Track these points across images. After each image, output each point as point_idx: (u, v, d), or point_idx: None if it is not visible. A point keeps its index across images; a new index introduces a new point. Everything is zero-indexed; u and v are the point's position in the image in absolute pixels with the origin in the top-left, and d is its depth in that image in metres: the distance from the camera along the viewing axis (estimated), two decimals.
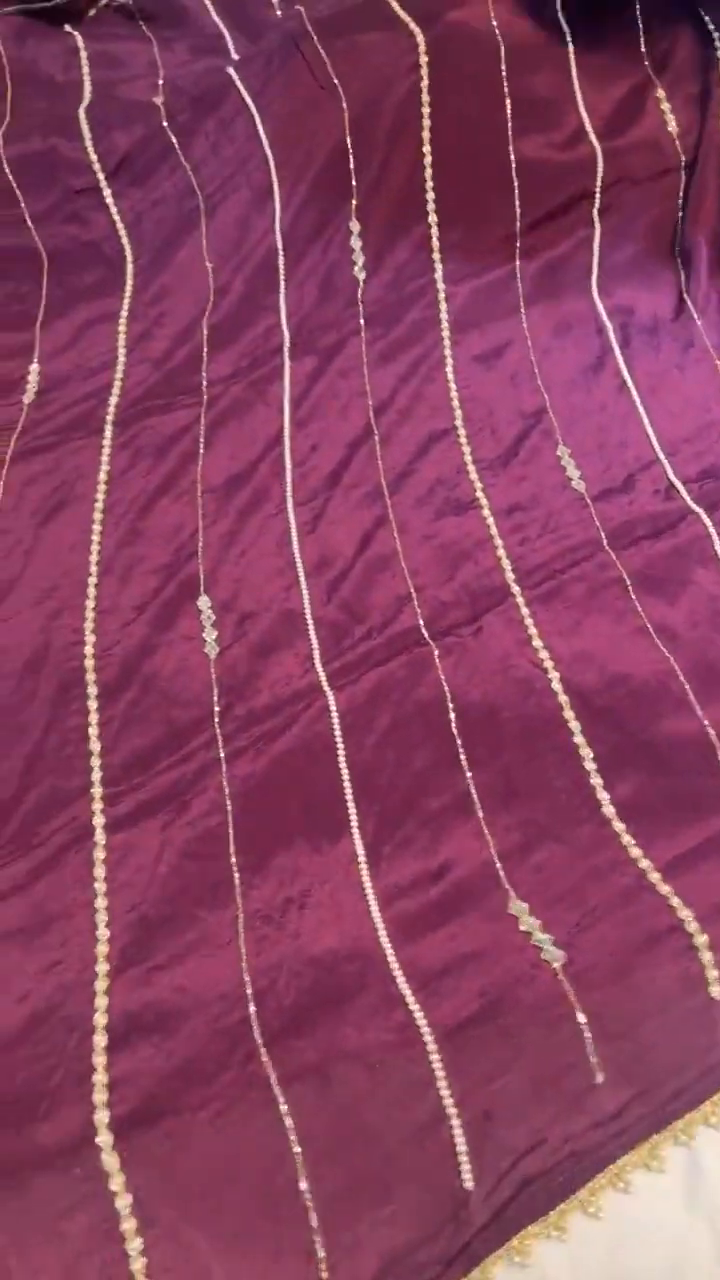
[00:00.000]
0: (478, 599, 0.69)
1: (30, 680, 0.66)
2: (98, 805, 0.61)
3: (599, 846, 0.58)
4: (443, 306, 0.86)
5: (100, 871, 0.58)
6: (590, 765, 0.61)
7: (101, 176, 0.90)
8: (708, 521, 0.72)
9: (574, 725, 0.63)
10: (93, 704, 0.65)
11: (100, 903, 0.57)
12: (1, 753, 0.63)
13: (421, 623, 0.69)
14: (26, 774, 0.62)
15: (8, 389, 0.82)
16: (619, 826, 0.59)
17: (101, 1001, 0.53)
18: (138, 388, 0.82)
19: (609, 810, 0.59)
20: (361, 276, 0.87)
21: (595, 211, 0.88)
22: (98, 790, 0.61)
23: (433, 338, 0.85)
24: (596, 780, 0.61)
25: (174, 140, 0.90)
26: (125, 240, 0.89)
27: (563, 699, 0.64)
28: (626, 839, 0.58)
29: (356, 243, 0.88)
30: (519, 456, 0.77)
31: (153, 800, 0.60)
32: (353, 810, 0.60)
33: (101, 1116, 0.49)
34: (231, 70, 0.93)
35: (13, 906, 0.56)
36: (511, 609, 0.68)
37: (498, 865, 0.57)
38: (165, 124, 0.91)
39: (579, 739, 0.62)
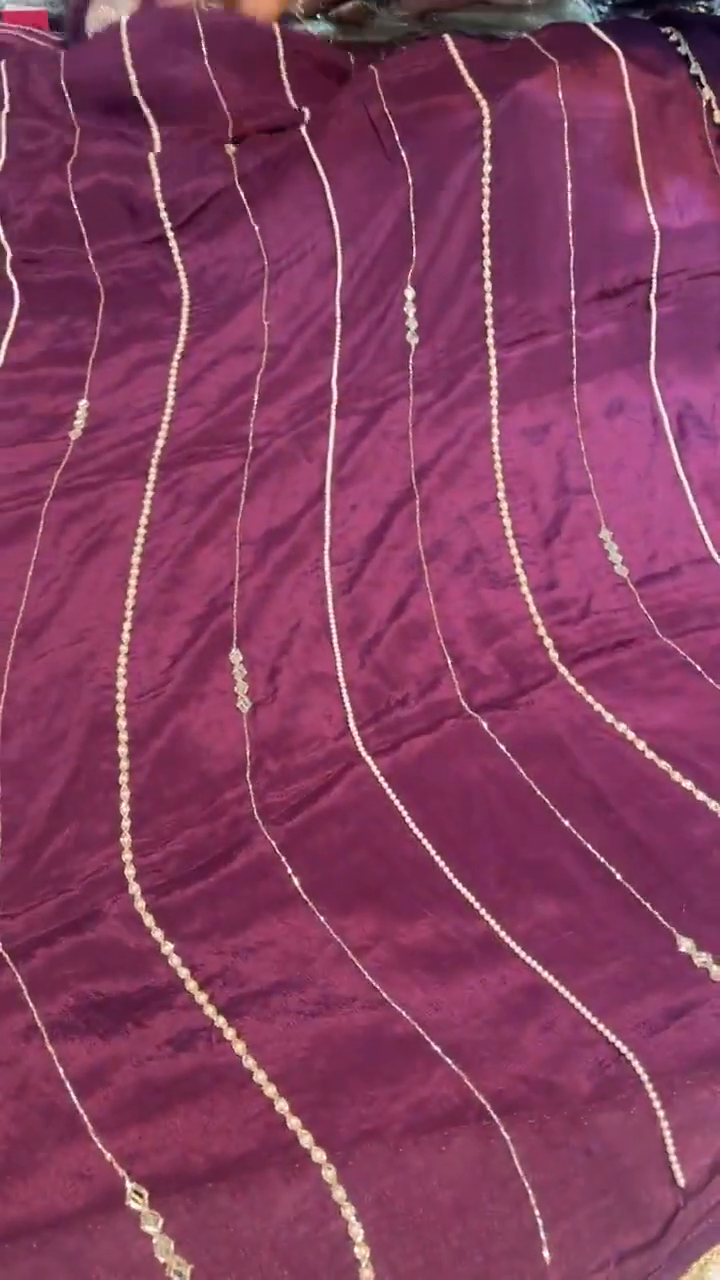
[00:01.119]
0: (521, 675, 0.69)
1: (60, 721, 0.65)
2: (128, 855, 0.60)
3: None
4: (493, 373, 0.86)
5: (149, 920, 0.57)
6: None
7: (169, 226, 0.91)
8: None
9: (687, 785, 0.63)
10: (123, 750, 0.64)
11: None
12: (29, 791, 0.62)
13: (460, 694, 0.68)
14: (54, 815, 0.61)
15: (55, 423, 0.82)
16: None
17: None
18: (185, 433, 0.82)
19: None
20: (414, 342, 0.88)
21: (653, 297, 0.90)
22: (126, 839, 0.61)
23: (481, 406, 0.86)
24: None
25: (244, 200, 0.91)
26: (184, 287, 0.90)
27: (663, 765, 0.64)
28: None
29: (410, 309, 0.89)
30: (561, 535, 0.78)
31: (189, 851, 0.60)
32: (448, 871, 0.60)
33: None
34: (304, 131, 0.94)
35: None
36: (564, 686, 0.68)
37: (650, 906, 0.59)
38: (236, 181, 0.92)
39: (702, 795, 0.63)
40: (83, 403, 0.83)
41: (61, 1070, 0.52)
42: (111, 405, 0.84)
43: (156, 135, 0.95)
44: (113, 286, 0.90)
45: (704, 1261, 0.49)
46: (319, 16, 1.18)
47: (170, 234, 0.91)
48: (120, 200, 0.91)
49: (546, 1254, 0.48)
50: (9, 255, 0.89)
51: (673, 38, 0.98)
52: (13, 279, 0.88)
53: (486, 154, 0.92)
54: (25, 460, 0.79)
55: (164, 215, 0.90)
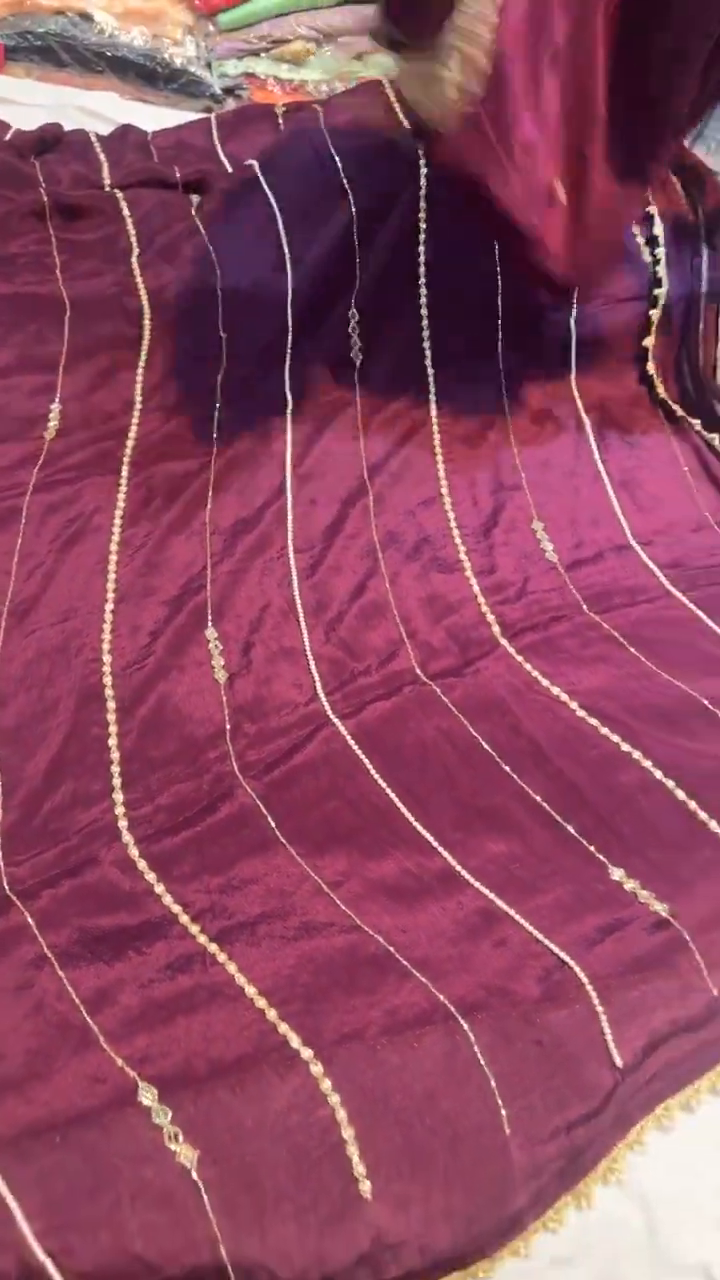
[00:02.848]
0: (468, 648, 0.78)
1: (52, 691, 0.71)
2: (120, 810, 0.66)
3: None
4: (432, 388, 0.95)
5: (142, 865, 0.64)
6: (657, 772, 0.70)
7: (136, 249, 0.98)
8: (686, 600, 0.82)
9: (614, 738, 0.71)
10: (111, 717, 0.71)
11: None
12: (26, 754, 0.68)
13: (415, 664, 0.76)
14: (51, 775, 0.67)
15: (31, 424, 0.87)
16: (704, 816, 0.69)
17: None
18: (153, 433, 0.89)
19: (690, 806, 0.70)
20: (358, 359, 0.96)
21: (573, 320, 0.99)
22: (119, 795, 0.67)
23: (423, 414, 0.94)
24: (669, 781, 0.70)
25: (200, 224, 0.99)
26: (145, 302, 0.96)
27: (593, 721, 0.72)
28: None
29: (354, 329, 0.97)
30: (498, 526, 0.87)
31: (176, 805, 0.66)
32: (410, 816, 0.67)
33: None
34: (256, 164, 1.02)
35: None
36: (505, 656, 0.77)
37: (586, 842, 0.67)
38: (193, 209, 1.00)
39: (626, 747, 0.71)
40: (55, 406, 0.89)
41: (72, 991, 0.58)
42: (82, 408, 0.90)
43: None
44: (76, 298, 0.96)
45: (641, 1127, 0.57)
46: (262, 55, 1.27)
47: (135, 254, 0.98)
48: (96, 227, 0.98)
49: (507, 1128, 0.55)
50: None
51: None
52: None
53: (423, 190, 1.01)
54: (6, 457, 0.85)
55: (134, 239, 0.97)
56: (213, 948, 0.61)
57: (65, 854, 0.65)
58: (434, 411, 0.94)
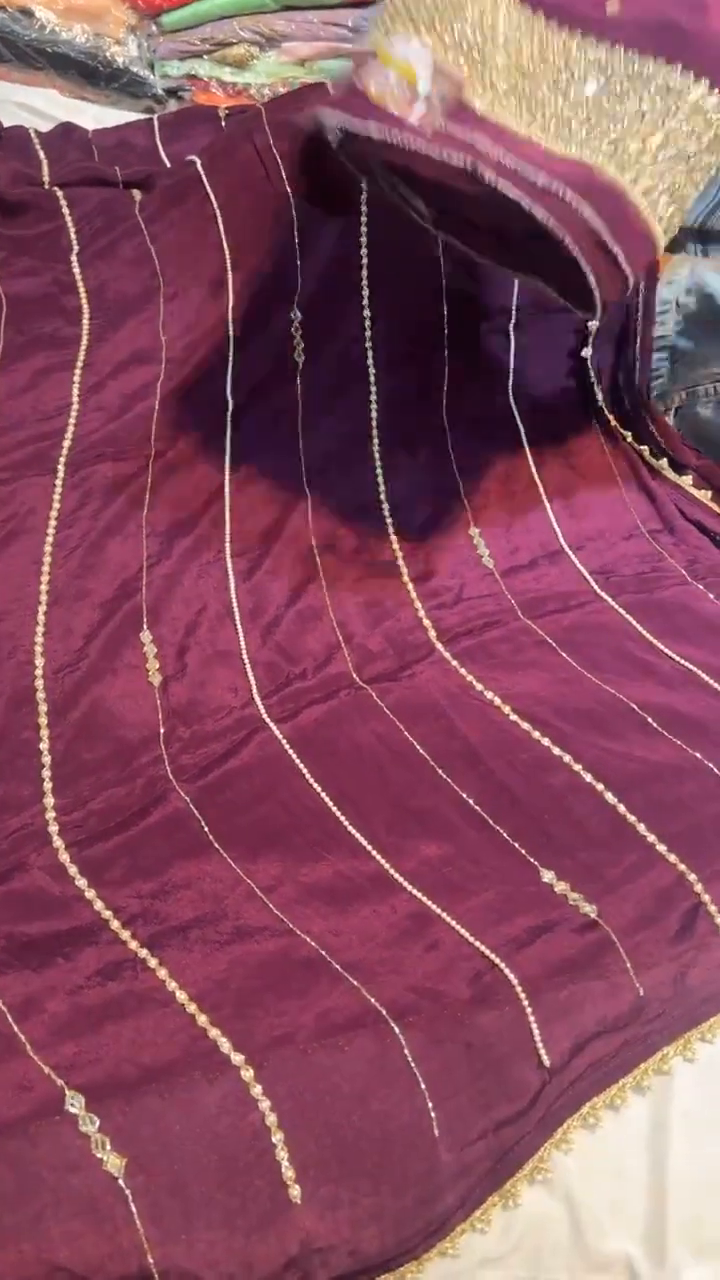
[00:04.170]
0: (404, 652, 0.78)
1: None
2: (50, 815, 0.65)
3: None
4: (373, 390, 0.95)
5: (73, 870, 0.63)
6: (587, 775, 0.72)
7: (75, 247, 0.96)
8: (616, 605, 0.83)
9: (545, 742, 0.72)
10: (43, 720, 0.70)
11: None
12: None
13: (351, 668, 0.77)
14: None
15: None
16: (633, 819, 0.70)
17: None
18: (91, 434, 0.88)
19: (619, 809, 0.70)
20: (300, 360, 0.96)
21: (511, 326, 1.01)
22: (50, 800, 0.66)
23: (362, 420, 0.94)
24: (598, 785, 0.71)
25: (141, 223, 0.98)
26: (84, 301, 0.95)
27: (525, 726, 0.73)
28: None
29: (296, 330, 0.97)
30: (436, 531, 0.87)
31: (108, 810, 0.65)
32: (343, 819, 0.67)
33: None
34: (197, 160, 1.02)
35: None
36: (441, 661, 0.77)
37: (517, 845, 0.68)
38: (135, 208, 0.99)
39: (558, 750, 0.72)
40: None
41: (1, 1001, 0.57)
42: (18, 407, 0.88)
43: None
44: (14, 296, 0.95)
45: (567, 1125, 0.58)
46: (204, 58, 1.26)
47: (75, 252, 0.97)
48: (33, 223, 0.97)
49: (435, 1130, 0.56)
50: None
51: None
52: None
53: (364, 194, 1.01)
54: None
55: (74, 238, 0.96)
56: (143, 953, 0.61)
57: None
58: (374, 415, 0.94)
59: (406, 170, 0.63)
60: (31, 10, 1.16)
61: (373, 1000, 0.60)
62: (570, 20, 0.62)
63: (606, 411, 1.00)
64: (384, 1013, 0.59)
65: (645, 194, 0.62)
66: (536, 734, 0.74)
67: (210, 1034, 0.57)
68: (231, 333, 0.95)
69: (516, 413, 0.98)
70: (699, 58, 0.62)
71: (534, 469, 0.94)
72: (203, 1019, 0.58)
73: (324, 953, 0.62)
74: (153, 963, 0.60)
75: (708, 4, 0.62)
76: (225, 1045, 0.57)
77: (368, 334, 0.98)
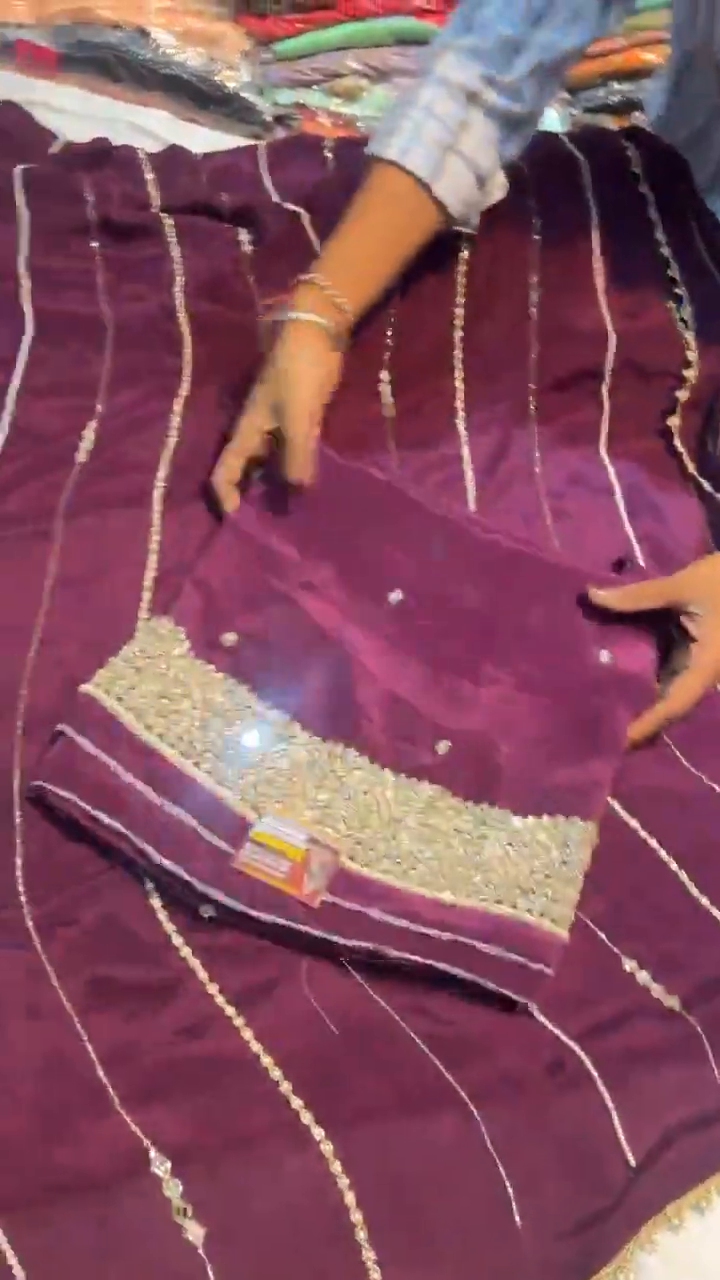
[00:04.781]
0: None
1: None
2: None
3: None
4: (465, 452, 0.95)
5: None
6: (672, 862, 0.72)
7: (181, 278, 0.97)
8: None
9: (634, 824, 0.74)
10: None
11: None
12: None
13: None
14: None
15: (65, 447, 0.86)
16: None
17: None
18: (187, 470, 0.87)
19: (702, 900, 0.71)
20: (390, 415, 0.95)
21: (605, 390, 1.00)
22: None
23: (453, 470, 0.94)
24: (682, 872, 0.73)
25: (247, 270, 0.98)
26: (187, 333, 0.94)
27: (615, 805, 0.75)
28: None
29: (386, 389, 0.97)
30: None
31: None
32: None
33: None
34: (303, 214, 1.01)
35: None
36: None
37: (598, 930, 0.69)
38: (245, 260, 0.98)
39: (645, 834, 0.74)
40: (90, 429, 0.88)
41: (90, 1048, 0.57)
42: (118, 435, 0.88)
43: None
44: (120, 322, 0.95)
45: (651, 1224, 0.57)
46: (315, 88, 1.27)
47: (177, 282, 0.97)
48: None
49: (518, 1220, 0.55)
50: (25, 287, 0.94)
51: (629, 153, 1.10)
52: (27, 308, 0.93)
53: (464, 250, 1.01)
54: (38, 479, 0.83)
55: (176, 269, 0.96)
56: (230, 1010, 0.60)
57: (85, 894, 0.64)
58: (468, 473, 0.94)
59: None
60: (149, 31, 1.17)
61: (453, 1081, 0.59)
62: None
63: (700, 478, 0.99)
64: (464, 1095, 0.58)
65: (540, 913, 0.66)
66: (624, 814, 0.73)
67: (293, 1103, 0.57)
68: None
69: (612, 472, 0.97)
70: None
71: (629, 528, 0.93)
72: (286, 1085, 0.58)
73: (404, 1025, 0.61)
74: (239, 1022, 0.60)
75: None
76: (307, 1117, 0.56)
77: (459, 395, 0.98)
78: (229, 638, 0.76)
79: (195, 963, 0.62)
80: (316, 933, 0.64)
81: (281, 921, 0.64)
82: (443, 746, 0.73)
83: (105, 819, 0.65)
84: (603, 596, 0.79)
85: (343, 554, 0.82)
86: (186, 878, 0.64)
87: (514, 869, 0.68)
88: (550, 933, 0.65)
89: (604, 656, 0.79)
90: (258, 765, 0.70)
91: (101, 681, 0.71)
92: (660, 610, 0.80)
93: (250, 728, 0.72)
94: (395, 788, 0.71)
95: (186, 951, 0.63)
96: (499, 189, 0.98)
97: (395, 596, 0.80)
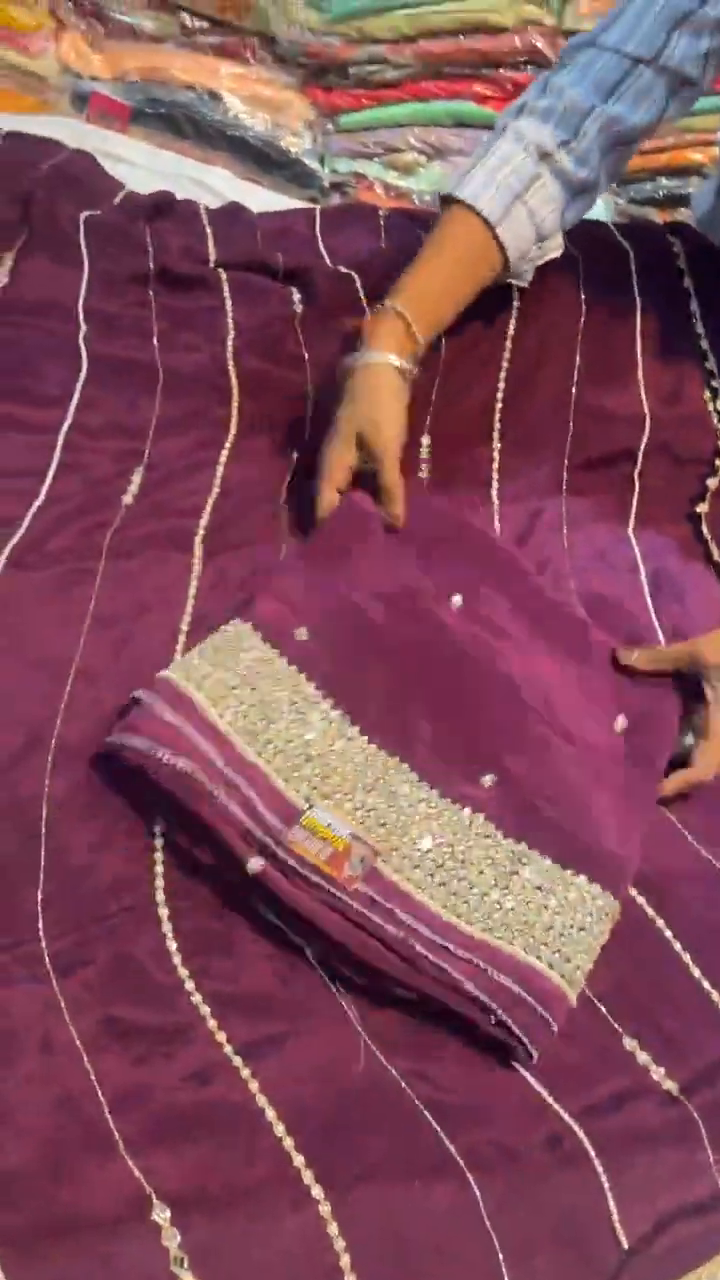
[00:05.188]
0: None
1: (103, 764, 0.72)
2: (160, 895, 0.67)
3: None
4: (496, 522, 0.97)
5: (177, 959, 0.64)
6: (676, 943, 0.75)
7: (232, 332, 0.99)
8: None
9: (640, 901, 0.74)
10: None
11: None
12: (73, 824, 0.69)
13: None
14: (95, 849, 0.69)
15: (113, 489, 0.89)
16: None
17: None
18: (230, 520, 0.90)
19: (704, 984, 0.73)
20: (425, 477, 0.98)
21: (636, 473, 1.03)
22: (160, 882, 0.67)
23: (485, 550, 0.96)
24: (686, 954, 0.74)
25: (298, 330, 1.00)
26: (235, 385, 0.97)
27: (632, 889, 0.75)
28: None
29: (424, 452, 0.99)
30: None
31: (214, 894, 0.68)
32: None
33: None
34: (356, 278, 1.04)
35: None
36: None
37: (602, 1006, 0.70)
38: (295, 316, 1.01)
39: (652, 913, 0.75)
40: (138, 474, 0.90)
41: (98, 1088, 0.57)
42: (164, 480, 0.91)
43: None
44: (172, 370, 0.98)
45: None
46: (374, 159, 1.31)
47: (229, 335, 1.00)
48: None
49: None
50: (83, 330, 0.97)
51: (675, 248, 1.14)
52: (83, 350, 0.96)
53: (512, 325, 1.04)
54: (84, 519, 0.85)
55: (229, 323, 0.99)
56: (237, 1061, 0.61)
57: (102, 933, 0.65)
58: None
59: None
60: (220, 94, 1.21)
61: (452, 1148, 0.59)
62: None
63: None
64: (462, 1164, 0.59)
65: (551, 966, 0.67)
66: (633, 891, 0.74)
67: (295, 1160, 0.57)
68: None
69: (637, 552, 0.99)
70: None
71: (651, 610, 0.95)
72: (289, 1141, 0.58)
73: (405, 1086, 0.62)
74: (245, 1073, 0.60)
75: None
76: (308, 1176, 0.57)
77: (494, 465, 1.00)
78: (300, 632, 0.79)
79: (205, 1010, 0.63)
80: (355, 905, 0.65)
81: (326, 886, 0.65)
82: (488, 779, 0.75)
83: (174, 759, 0.67)
84: (626, 655, 0.83)
85: (411, 571, 0.86)
86: (247, 824, 0.66)
87: (537, 915, 0.68)
88: (560, 988, 0.66)
89: (620, 722, 0.81)
90: (314, 759, 0.72)
91: (177, 668, 0.74)
92: (679, 674, 0.83)
93: (310, 722, 0.74)
94: (440, 808, 0.73)
95: (198, 998, 0.63)
96: (555, 249, 1.02)
97: (457, 601, 0.85)
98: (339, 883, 0.66)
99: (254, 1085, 0.60)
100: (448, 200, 0.93)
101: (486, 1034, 0.64)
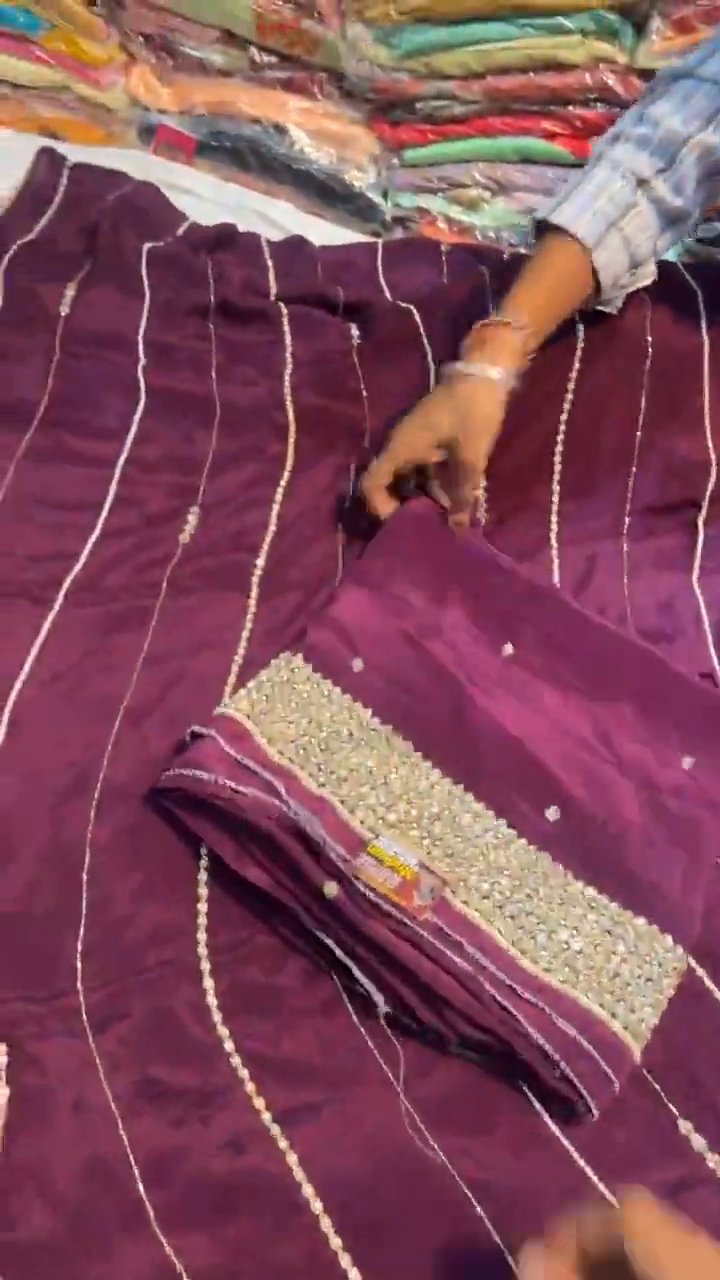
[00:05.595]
0: None
1: (151, 805, 0.70)
2: (203, 949, 0.65)
3: None
4: (555, 566, 0.95)
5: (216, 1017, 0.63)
6: None
7: (290, 366, 0.98)
8: None
9: (700, 972, 0.70)
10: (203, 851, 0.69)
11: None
12: (118, 871, 0.68)
13: None
14: (139, 897, 0.67)
15: (169, 525, 0.88)
16: None
17: None
18: (287, 559, 0.88)
19: None
20: (482, 519, 0.96)
21: (701, 520, 1.00)
22: (202, 935, 0.66)
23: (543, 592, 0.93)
24: None
25: (356, 363, 0.99)
26: (292, 422, 0.96)
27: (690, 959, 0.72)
28: None
29: (481, 494, 0.97)
30: None
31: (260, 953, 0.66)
32: None
33: None
34: (416, 314, 1.03)
35: None
36: None
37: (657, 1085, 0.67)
38: (353, 348, 1.00)
39: (711, 984, 0.71)
40: (194, 510, 0.89)
41: (131, 1155, 0.55)
42: (220, 517, 0.90)
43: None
44: (229, 404, 0.97)
45: None
46: (438, 194, 1.30)
47: (287, 370, 0.99)
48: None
49: None
50: (142, 362, 0.96)
51: None
52: (141, 382, 0.95)
53: (576, 365, 1.02)
54: (141, 555, 0.84)
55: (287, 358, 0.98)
56: (275, 1129, 0.59)
57: (139, 986, 0.63)
58: (556, 581, 0.94)
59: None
60: (286, 128, 1.21)
61: (497, 1238, 0.56)
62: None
63: None
64: (509, 1258, 0.56)
65: (615, 1017, 0.64)
66: (692, 961, 0.71)
67: (332, 1243, 0.55)
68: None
69: (701, 603, 0.96)
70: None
71: (715, 662, 0.91)
72: (326, 1222, 0.55)
73: (450, 1165, 0.59)
74: (283, 1143, 0.58)
75: None
76: (345, 1260, 0.54)
77: (553, 509, 0.98)
78: (356, 663, 0.78)
79: (244, 1073, 0.61)
80: (426, 935, 0.63)
81: (397, 915, 0.63)
82: (553, 812, 0.73)
83: (244, 789, 0.67)
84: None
85: (468, 607, 0.86)
86: (324, 845, 0.65)
87: (605, 961, 0.66)
88: (624, 1042, 0.63)
89: (686, 762, 0.78)
90: (378, 788, 0.71)
91: (233, 703, 0.74)
92: None
93: (371, 750, 0.73)
94: (506, 839, 0.71)
95: (237, 1060, 0.61)
96: (647, 276, 1.01)
97: (508, 650, 0.83)
98: (409, 912, 0.64)
99: (292, 1157, 0.57)
100: (543, 226, 0.93)
101: (549, 1085, 0.62)
